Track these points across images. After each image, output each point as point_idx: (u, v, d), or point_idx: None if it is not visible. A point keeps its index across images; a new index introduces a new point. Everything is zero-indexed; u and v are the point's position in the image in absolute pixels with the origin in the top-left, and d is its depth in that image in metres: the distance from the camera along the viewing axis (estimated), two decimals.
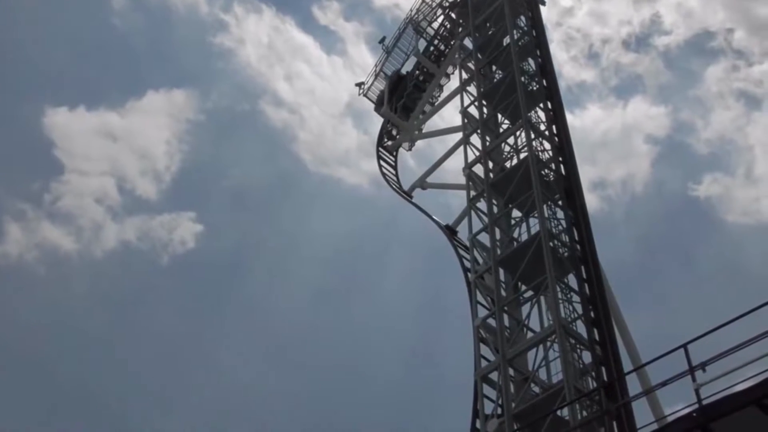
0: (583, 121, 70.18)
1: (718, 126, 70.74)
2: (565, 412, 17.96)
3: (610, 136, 73.20)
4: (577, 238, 21.62)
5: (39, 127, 71.53)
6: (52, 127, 78.84)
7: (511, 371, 19.79)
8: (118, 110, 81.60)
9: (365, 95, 36.00)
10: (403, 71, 34.92)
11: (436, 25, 35.25)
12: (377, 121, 36.07)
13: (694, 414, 10.37)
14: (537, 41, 27.93)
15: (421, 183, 31.21)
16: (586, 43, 70.21)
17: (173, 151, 75.77)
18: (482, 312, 21.55)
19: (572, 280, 20.58)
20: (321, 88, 78.79)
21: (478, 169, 25.01)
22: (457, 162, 29.53)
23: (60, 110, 76.33)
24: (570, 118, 25.52)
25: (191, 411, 63.25)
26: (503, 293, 21.55)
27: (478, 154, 25.55)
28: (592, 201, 23.01)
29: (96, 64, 76.30)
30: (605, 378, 18.58)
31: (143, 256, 69.65)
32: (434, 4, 35.41)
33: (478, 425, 19.75)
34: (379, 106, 35.00)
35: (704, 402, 10.33)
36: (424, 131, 34.39)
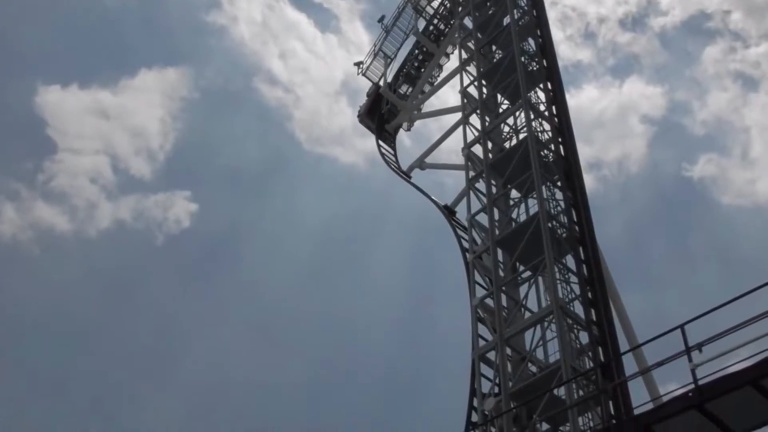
0: (579, 101, 69.97)
1: (715, 107, 70.62)
2: (561, 391, 18.10)
3: (606, 116, 73.02)
4: (575, 219, 21.64)
5: (31, 105, 71.02)
6: (45, 106, 78.27)
7: (508, 351, 19.95)
8: (111, 88, 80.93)
9: (364, 74, 35.90)
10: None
11: (435, 4, 35.13)
12: None
13: (690, 394, 10.48)
14: (537, 21, 27.78)
15: (420, 163, 31.21)
16: (583, 22, 69.88)
17: (167, 130, 75.37)
18: (480, 292, 21.68)
19: (570, 261, 20.64)
20: (315, 66, 78.26)
21: (477, 150, 25.03)
22: (455, 142, 29.55)
23: (52, 88, 75.63)
24: (566, 97, 25.39)
25: (186, 387, 63.49)
26: (501, 273, 21.63)
27: (477, 134, 25.54)
28: (587, 181, 22.93)
29: (88, 41, 75.56)
30: (602, 358, 18.67)
31: (138, 235, 69.53)
32: None
33: (475, 404, 19.91)
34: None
35: (700, 382, 10.43)
36: (422, 111, 34.37)
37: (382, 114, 34.44)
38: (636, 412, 13.51)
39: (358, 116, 35.08)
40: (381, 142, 33.74)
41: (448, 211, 27.58)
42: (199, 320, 65.90)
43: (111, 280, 67.26)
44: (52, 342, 63.91)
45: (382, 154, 32.97)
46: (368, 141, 35.46)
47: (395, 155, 33.53)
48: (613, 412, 16.99)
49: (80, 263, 69.01)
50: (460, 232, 25.89)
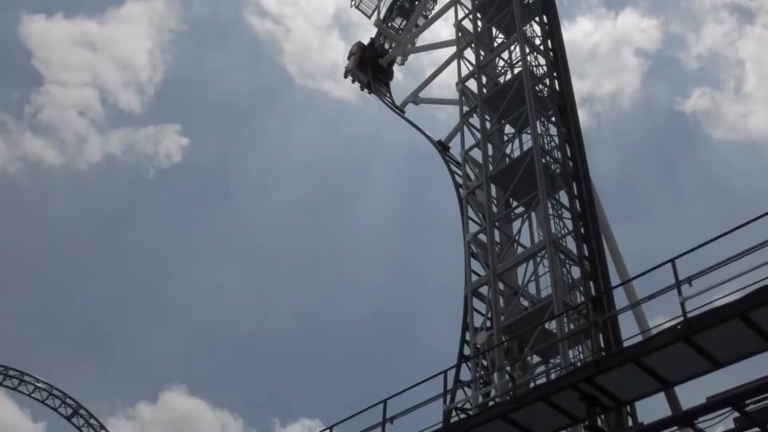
0: (573, 34, 69.10)
1: (710, 40, 69.78)
2: (553, 325, 18.41)
3: (599, 50, 72.17)
4: (569, 154, 21.60)
5: (15, 35, 69.72)
6: (29, 36, 76.83)
7: (501, 285, 20.16)
8: (98, 18, 79.25)
9: (357, 7, 35.23)
10: None
11: None
12: (364, 33, 35.47)
13: (679, 326, 10.62)
14: None
15: (414, 98, 30.97)
16: None
17: (156, 62, 74.06)
18: (473, 227, 21.76)
19: (563, 196, 20.72)
20: None
21: (472, 84, 24.77)
22: (449, 77, 29.26)
23: (37, 18, 74.03)
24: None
25: (181, 319, 64.02)
26: (495, 209, 21.71)
27: (471, 68, 25.24)
28: (580, 116, 22.76)
29: None
30: (593, 292, 18.88)
31: (129, 169, 69.16)
32: None
33: (467, 338, 20.20)
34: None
35: (689, 315, 10.56)
36: (416, 45, 33.89)
37: (377, 53, 33.76)
38: (625, 344, 13.71)
39: (348, 71, 33.83)
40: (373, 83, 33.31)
41: (442, 147, 27.48)
42: (191, 254, 66.08)
43: (102, 214, 67.16)
44: (45, 275, 64.12)
45: (377, 89, 32.60)
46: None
47: (389, 90, 33.20)
48: (602, 344, 17.26)
49: (71, 197, 68.80)
50: (453, 168, 25.85)
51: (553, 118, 22.23)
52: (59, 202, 70.63)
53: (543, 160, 20.71)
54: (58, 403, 42.50)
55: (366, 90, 33.56)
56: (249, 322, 67.01)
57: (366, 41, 34.74)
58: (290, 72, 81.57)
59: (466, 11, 27.30)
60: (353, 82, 33.63)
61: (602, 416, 13.23)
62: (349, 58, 34.04)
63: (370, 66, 33.29)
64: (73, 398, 42.78)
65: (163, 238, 70.80)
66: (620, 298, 19.09)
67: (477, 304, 20.46)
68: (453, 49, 27.40)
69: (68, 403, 42.62)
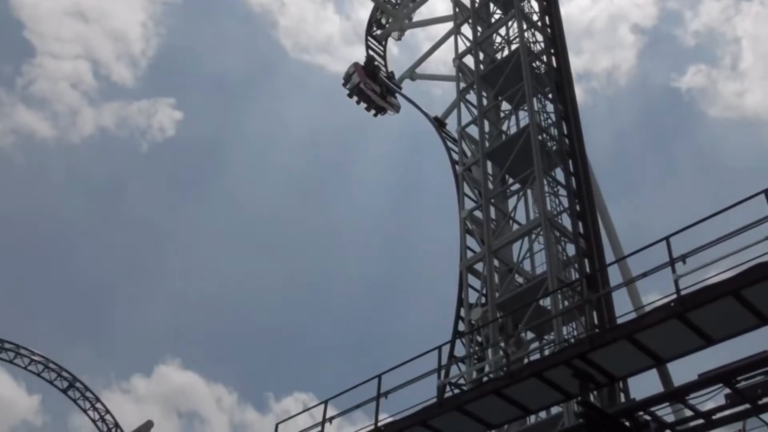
0: (569, 10, 68.34)
1: (706, 17, 69.46)
2: (547, 302, 18.43)
3: (596, 26, 71.78)
4: (565, 131, 21.56)
5: (7, 7, 69.01)
6: (21, 7, 76.03)
7: (496, 262, 20.20)
8: None
9: None
10: None
11: None
12: (360, 7, 35.09)
13: (672, 304, 10.67)
14: None
15: (411, 73, 30.83)
16: None
17: (149, 35, 73.40)
18: (469, 204, 21.77)
19: (559, 173, 20.68)
20: None
21: (469, 61, 24.65)
22: (445, 53, 29.08)
23: None
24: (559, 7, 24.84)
25: (173, 296, 63.91)
26: (491, 186, 21.66)
27: (468, 44, 25.10)
28: (576, 93, 22.70)
29: None
30: (588, 270, 18.98)
31: (122, 143, 68.72)
32: None
33: (462, 314, 20.34)
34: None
35: (683, 293, 10.60)
36: (414, 20, 33.67)
37: (375, 67, 31.54)
38: (619, 321, 13.79)
39: (356, 86, 30.34)
40: (371, 52, 32.95)
41: (438, 123, 27.41)
42: (185, 228, 65.81)
43: (95, 187, 66.81)
44: (38, 249, 63.89)
45: (376, 66, 32.16)
46: (356, 49, 34.67)
47: (385, 65, 32.98)
48: (596, 321, 17.41)
49: (63, 170, 68.36)
50: (449, 144, 25.81)
51: (550, 95, 22.13)
52: (52, 175, 70.22)
53: (539, 137, 20.60)
54: (54, 376, 42.71)
55: (375, 105, 30.74)
56: (243, 296, 67.03)
57: (360, 14, 34.15)
58: (285, 46, 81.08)
59: None
60: (358, 102, 30.61)
61: (595, 392, 13.46)
62: (348, 79, 30.99)
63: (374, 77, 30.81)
64: (69, 371, 42.98)
65: (157, 213, 70.57)
66: (615, 276, 19.26)
67: (472, 280, 20.47)
68: (450, 25, 27.26)
69: (64, 376, 42.79)
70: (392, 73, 31.73)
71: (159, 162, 71.63)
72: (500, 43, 25.48)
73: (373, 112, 31.06)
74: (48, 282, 64.66)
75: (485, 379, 16.41)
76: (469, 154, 23.23)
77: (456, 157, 24.08)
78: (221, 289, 66.04)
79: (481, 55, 24.48)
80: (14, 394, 55.41)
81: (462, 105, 23.79)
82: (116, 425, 41.93)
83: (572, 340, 16.38)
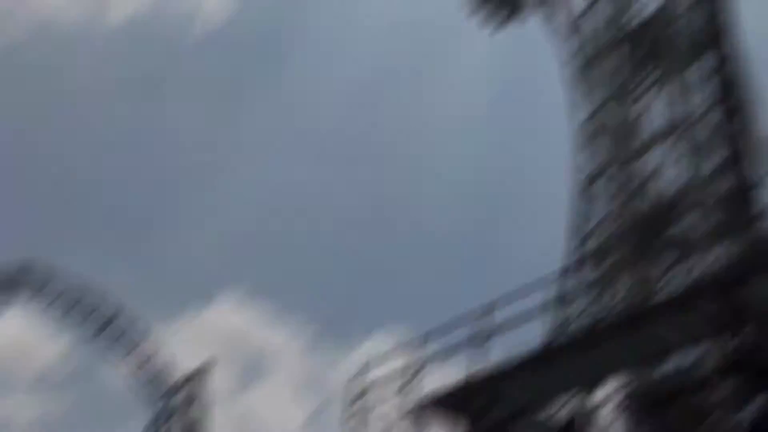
0: None
1: None
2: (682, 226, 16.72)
3: None
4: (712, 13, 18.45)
5: None
6: None
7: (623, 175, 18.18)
8: None
9: None
10: None
11: None
12: None
13: None
14: None
15: None
16: None
17: None
18: (588, 107, 19.43)
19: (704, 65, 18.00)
20: None
21: None
22: None
23: None
24: None
25: (234, 213, 57.44)
26: (615, 84, 19.21)
27: None
28: None
29: None
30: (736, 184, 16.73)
31: (160, 33, 63.21)
32: None
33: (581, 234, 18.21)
34: None
35: None
36: None
37: None
38: None
39: None
40: None
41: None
42: (240, 138, 57.87)
43: (129, 88, 58.84)
44: (68, 160, 59.53)
45: None
46: None
47: None
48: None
49: (89, 67, 60.99)
50: (562, 36, 22.81)
51: None
52: (79, 72, 61.72)
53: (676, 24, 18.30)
54: (88, 312, 34.44)
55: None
56: (317, 214, 61.09)
57: None
58: None
59: None
60: None
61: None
62: None
63: None
64: (108, 305, 34.66)
65: (206, 119, 62.86)
66: None
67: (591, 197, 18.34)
68: None
69: (102, 312, 34.57)
70: None
71: (204, 57, 62.16)
72: None
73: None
74: (82, 200, 59.42)
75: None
76: (587, 47, 20.28)
77: (570, 50, 21.31)
78: (288, 207, 60.26)
79: None
80: (38, 335, 47.67)
81: None
82: (162, 371, 33.68)
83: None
